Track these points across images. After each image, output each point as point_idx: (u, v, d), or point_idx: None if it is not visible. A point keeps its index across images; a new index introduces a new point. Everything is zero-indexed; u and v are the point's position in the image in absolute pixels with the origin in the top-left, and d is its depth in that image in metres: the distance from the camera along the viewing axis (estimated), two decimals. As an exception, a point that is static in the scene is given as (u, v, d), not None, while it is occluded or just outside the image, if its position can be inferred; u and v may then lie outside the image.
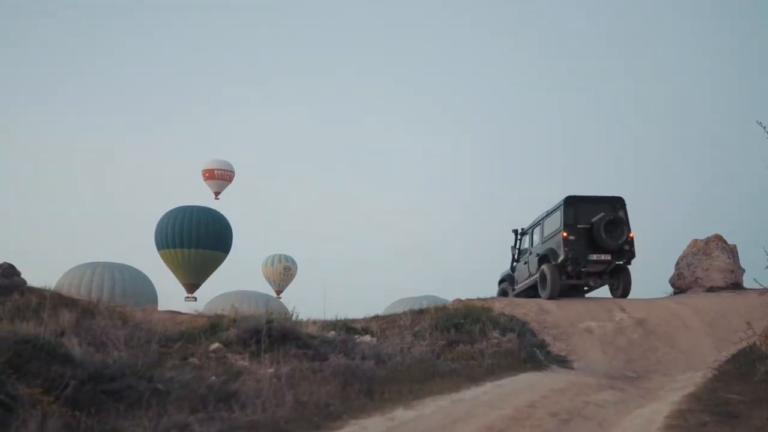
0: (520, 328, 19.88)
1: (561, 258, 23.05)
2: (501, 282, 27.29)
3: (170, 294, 58.77)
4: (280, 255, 66.80)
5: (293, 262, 66.92)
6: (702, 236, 27.30)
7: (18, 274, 29.07)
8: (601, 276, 24.35)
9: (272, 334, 15.13)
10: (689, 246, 27.37)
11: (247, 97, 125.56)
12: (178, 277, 59.30)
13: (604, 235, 22.80)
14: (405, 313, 22.39)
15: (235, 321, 15.87)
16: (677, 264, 27.32)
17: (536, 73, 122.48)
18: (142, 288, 49.37)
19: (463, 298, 24.37)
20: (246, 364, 14.58)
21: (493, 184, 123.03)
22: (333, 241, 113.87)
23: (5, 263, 29.53)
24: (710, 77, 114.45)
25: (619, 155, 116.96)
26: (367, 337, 19.75)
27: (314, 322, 19.27)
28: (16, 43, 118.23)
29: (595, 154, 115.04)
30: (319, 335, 16.26)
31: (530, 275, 24.94)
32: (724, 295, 24.39)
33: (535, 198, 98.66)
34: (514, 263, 26.51)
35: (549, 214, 24.55)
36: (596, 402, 13.10)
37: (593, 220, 23.05)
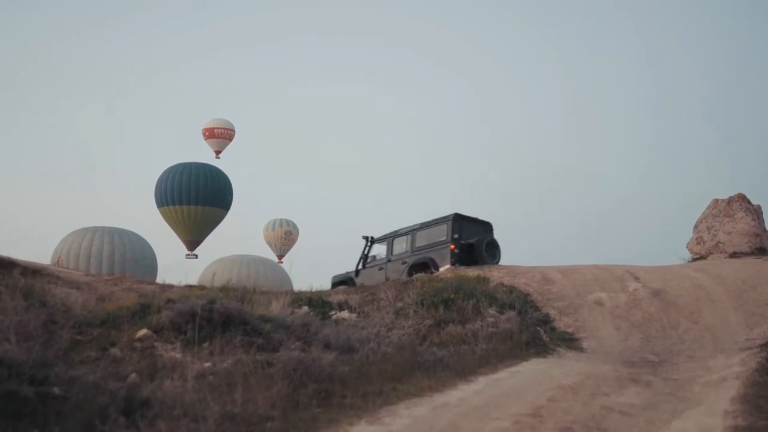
0: (520, 304, 16.30)
1: (444, 267, 24.01)
2: (337, 284, 26.75)
3: (170, 253, 56.39)
4: (281, 219, 64.55)
5: (294, 226, 64.63)
6: (723, 196, 23.70)
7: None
8: None
9: (213, 318, 11.53)
10: (709, 207, 24.06)
11: (249, 54, 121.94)
12: (178, 234, 57.11)
13: (485, 253, 24.52)
14: (388, 284, 18.88)
15: (169, 301, 12.20)
16: (696, 227, 23.96)
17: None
18: (142, 252, 47.66)
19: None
20: (178, 356, 11.40)
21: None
22: (336, 202, 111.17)
23: None
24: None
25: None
26: (345, 314, 16.59)
27: (284, 294, 15.89)
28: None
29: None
30: (275, 317, 12.74)
31: (387, 280, 24.46)
32: (750, 262, 21.12)
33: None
34: (360, 268, 26.99)
35: (427, 226, 25.72)
36: (619, 407, 9.77)
37: (476, 238, 24.80)
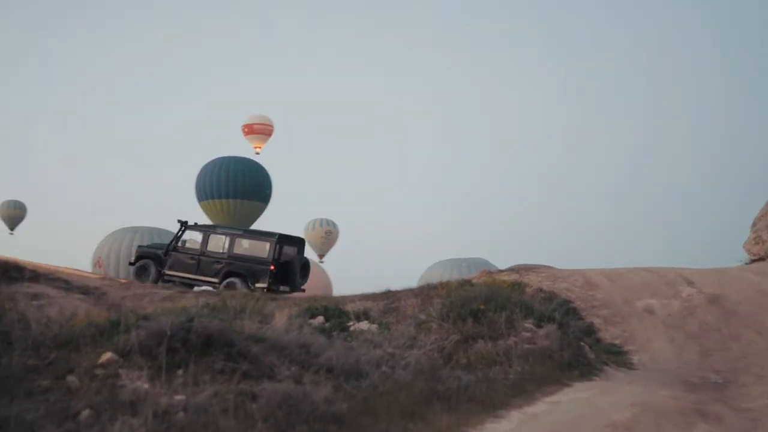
0: (561, 314, 13.84)
1: (260, 285, 24.49)
2: (142, 257, 26.72)
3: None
4: (321, 219, 62.93)
5: (335, 225, 63.00)
6: (784, 190, 21.24)
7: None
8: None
9: (189, 340, 9.22)
10: (768, 203, 21.38)
11: (288, 51, 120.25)
12: None
13: (298, 275, 25.56)
14: (412, 291, 16.65)
15: (140, 318, 9.90)
16: (753, 225, 21.53)
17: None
18: None
19: (520, 263, 21.63)
20: (145, 386, 9.12)
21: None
22: (376, 198, 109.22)
23: None
24: None
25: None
26: (365, 325, 14.61)
27: (288, 304, 13.67)
28: None
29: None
30: (268, 337, 10.32)
31: (199, 273, 25.60)
32: (818, 265, 18.48)
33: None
34: (171, 250, 26.30)
35: (249, 235, 26.44)
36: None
37: (291, 258, 25.53)
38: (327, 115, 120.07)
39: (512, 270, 20.25)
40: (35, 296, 18.85)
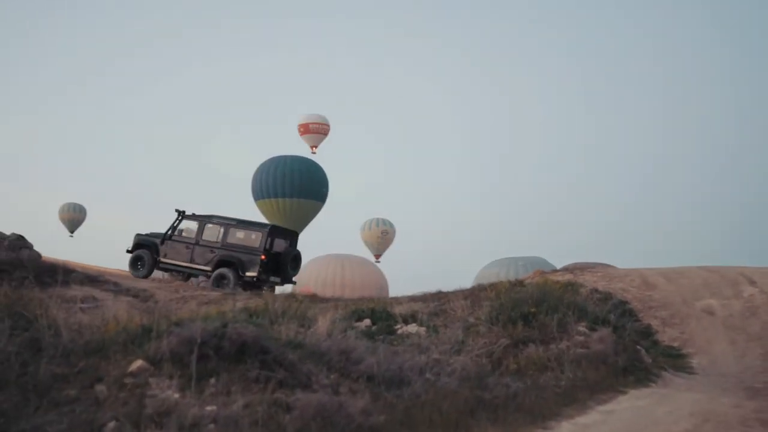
0: (617, 316, 13.12)
1: (250, 274, 25.11)
2: (138, 246, 27.13)
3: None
4: (377, 219, 62.45)
5: (391, 225, 62.40)
6: None
7: (29, 246, 24.17)
8: (263, 288, 25.89)
9: (222, 347, 8.64)
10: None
11: (345, 51, 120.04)
12: None
13: (289, 267, 26.05)
14: (463, 292, 16.03)
15: (173, 324, 9.40)
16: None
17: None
18: None
19: (578, 261, 21.60)
20: (175, 396, 8.60)
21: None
22: (433, 197, 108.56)
23: (13, 234, 24.77)
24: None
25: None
26: (413, 328, 14.25)
27: (334, 306, 13.18)
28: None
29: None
30: (307, 343, 9.75)
31: (192, 261, 26.13)
32: None
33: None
34: (167, 238, 26.77)
35: (242, 225, 26.44)
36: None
37: (282, 250, 26.05)
38: (383, 114, 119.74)
39: (566, 270, 19.58)
40: (83, 299, 18.62)
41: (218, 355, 8.88)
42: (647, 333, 14.69)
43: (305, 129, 59.88)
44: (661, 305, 16.26)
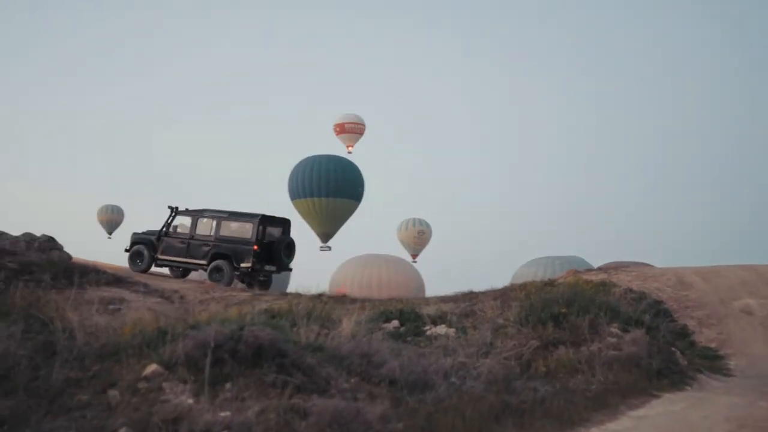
0: (651, 317, 12.61)
1: (245, 265, 25.47)
2: (136, 243, 27.40)
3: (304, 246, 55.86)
4: (414, 219, 61.94)
5: (428, 225, 61.94)
6: None
7: (59, 247, 24.01)
8: (260, 279, 26.87)
9: (238, 351, 8.28)
10: None
11: (380, 50, 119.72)
12: (312, 226, 54.73)
13: (282, 255, 26.26)
14: (494, 292, 15.60)
15: (188, 327, 9.06)
16: None
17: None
18: None
19: (617, 260, 20.93)
20: (189, 401, 8.26)
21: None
22: (470, 197, 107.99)
23: (44, 236, 24.62)
24: None
25: None
26: (442, 329, 13.73)
27: (361, 307, 12.80)
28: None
29: None
30: (327, 346, 9.37)
31: (188, 256, 26.52)
32: None
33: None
34: (162, 235, 27.08)
35: (234, 217, 26.65)
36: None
37: (275, 239, 26.35)
38: (419, 113, 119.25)
39: (601, 269, 19.08)
40: (111, 300, 18.38)
41: (234, 359, 8.54)
42: (683, 334, 14.19)
43: (341, 129, 59.69)
44: (698, 305, 15.75)
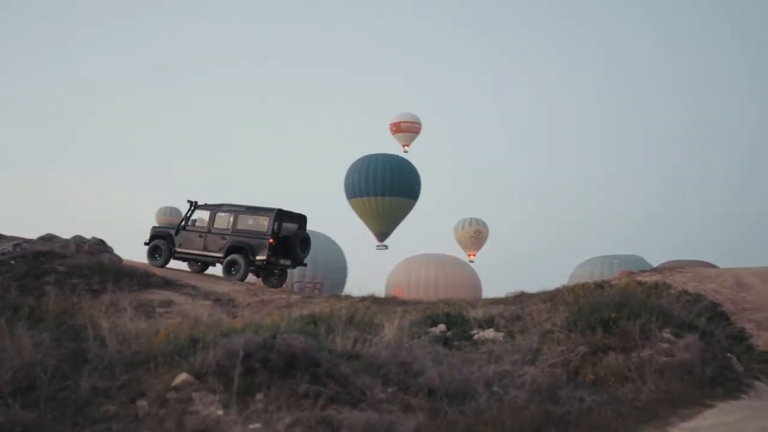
0: (705, 322, 11.97)
1: (260, 258, 25.91)
2: (155, 237, 27.90)
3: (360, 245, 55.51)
4: (470, 218, 61.80)
5: (484, 224, 61.41)
6: None
7: (109, 250, 23.93)
8: (275, 273, 27.61)
9: (270, 360, 7.95)
10: None
11: (435, 49, 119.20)
12: (368, 225, 55.75)
13: (298, 249, 26.86)
14: (546, 294, 15.10)
15: (222, 335, 8.75)
16: None
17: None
18: (333, 255, 46.29)
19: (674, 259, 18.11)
20: (219, 413, 7.85)
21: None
22: (527, 195, 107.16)
23: (94, 238, 24.54)
24: None
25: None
26: (491, 333, 13.44)
27: (403, 311, 12.38)
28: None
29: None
30: (364, 354, 8.97)
31: (205, 249, 26.94)
32: None
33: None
34: (181, 229, 27.65)
35: (251, 211, 27.01)
36: None
37: (291, 233, 26.77)
38: (476, 112, 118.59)
39: (655, 270, 18.45)
40: (160, 303, 18.22)
41: (266, 368, 8.18)
42: (740, 338, 13.60)
43: (397, 128, 60.05)
44: (756, 307, 15.16)
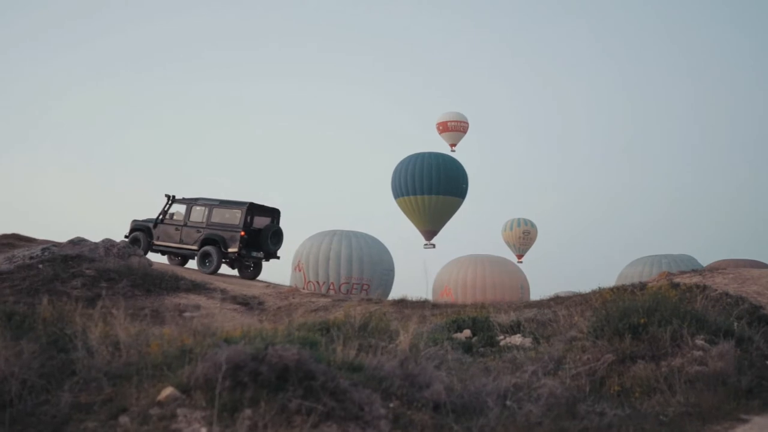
0: (743, 327, 11.01)
1: (232, 249, 26.54)
2: (135, 230, 28.57)
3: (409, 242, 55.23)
4: (519, 219, 61.02)
5: (533, 225, 60.76)
6: None
7: (139, 254, 23.40)
8: (248, 265, 28.16)
9: (260, 373, 7.29)
10: None
11: (480, 49, 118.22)
12: (416, 224, 55.37)
13: (269, 242, 27.38)
14: (580, 296, 14.30)
15: (210, 346, 8.07)
16: None
17: None
18: (379, 256, 44.39)
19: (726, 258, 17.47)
20: (203, 430, 7.14)
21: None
22: (576, 195, 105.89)
23: (123, 241, 24.13)
24: None
25: None
26: (518, 339, 12.80)
27: (432, 314, 11.70)
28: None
29: None
30: (366, 365, 8.23)
31: (181, 242, 27.58)
32: None
33: None
34: (158, 222, 28.28)
35: (224, 205, 27.56)
36: None
37: (263, 226, 27.44)
38: (522, 111, 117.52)
39: (695, 271, 17.44)
40: (186, 308, 17.66)
41: (256, 382, 7.46)
42: (782, 345, 12.55)
43: (444, 127, 59.77)
44: (800, 310, 14.06)
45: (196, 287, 19.59)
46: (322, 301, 20.15)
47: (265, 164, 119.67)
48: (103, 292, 16.03)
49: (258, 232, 27.11)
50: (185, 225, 27.69)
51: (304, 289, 39.38)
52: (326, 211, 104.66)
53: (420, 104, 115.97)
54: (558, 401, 8.44)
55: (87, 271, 18.72)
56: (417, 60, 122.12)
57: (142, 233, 28.14)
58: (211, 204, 27.56)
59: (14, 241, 23.96)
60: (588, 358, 10.18)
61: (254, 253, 27.22)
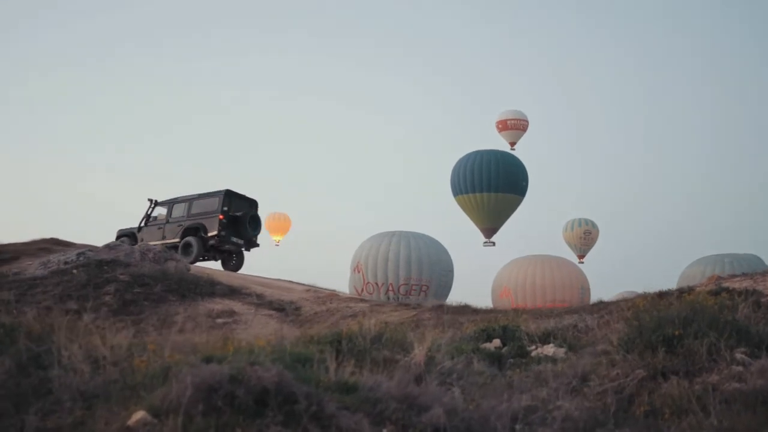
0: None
1: (212, 233, 27.09)
2: (120, 236, 29.08)
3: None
4: (580, 219, 59.95)
5: (594, 225, 59.46)
6: None
7: (175, 258, 22.93)
8: (229, 253, 28.88)
9: (237, 396, 6.47)
10: None
11: (540, 46, 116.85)
12: (475, 222, 54.41)
13: (248, 227, 27.98)
14: (624, 302, 13.38)
15: (188, 364, 7.34)
16: None
17: None
18: (438, 256, 43.83)
19: None
20: (173, 462, 6.22)
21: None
22: (637, 194, 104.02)
23: (161, 245, 23.80)
24: None
25: None
26: (551, 349, 11.80)
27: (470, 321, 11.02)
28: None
29: None
30: (363, 384, 7.39)
31: (164, 239, 27.96)
32: None
33: None
34: (142, 226, 29.18)
35: (203, 196, 28.23)
36: None
37: (241, 212, 27.96)
38: (583, 110, 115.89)
39: (746, 275, 16.29)
40: (220, 314, 17.07)
41: (232, 406, 6.66)
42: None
43: (503, 126, 58.76)
44: None
45: (232, 292, 19.04)
46: (360, 306, 19.40)
47: (323, 166, 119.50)
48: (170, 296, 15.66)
49: (236, 218, 27.66)
50: (167, 222, 28.65)
51: (363, 290, 38.89)
52: (384, 210, 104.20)
53: (479, 102, 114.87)
54: (575, 425, 7.51)
55: (121, 277, 18.33)
56: (478, 56, 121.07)
57: (128, 239, 28.47)
58: (191, 198, 28.48)
59: (52, 245, 23.66)
60: (617, 374, 9.22)
61: (234, 239, 27.90)
